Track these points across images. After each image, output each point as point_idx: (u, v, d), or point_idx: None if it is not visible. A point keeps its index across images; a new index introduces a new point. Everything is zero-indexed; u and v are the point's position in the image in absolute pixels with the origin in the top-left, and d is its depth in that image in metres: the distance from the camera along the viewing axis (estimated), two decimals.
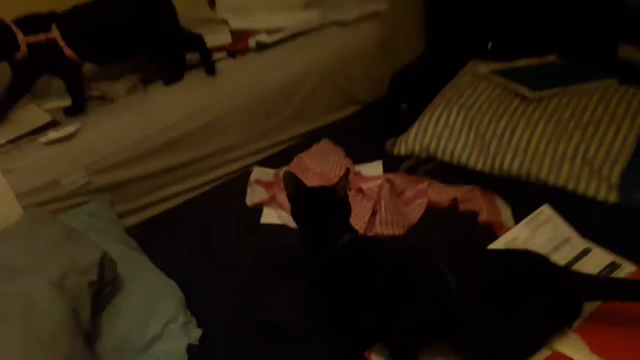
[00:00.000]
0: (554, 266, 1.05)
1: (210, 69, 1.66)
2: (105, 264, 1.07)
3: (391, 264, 1.01)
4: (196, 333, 1.16)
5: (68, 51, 1.44)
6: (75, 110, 1.51)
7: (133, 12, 1.53)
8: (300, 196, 1.07)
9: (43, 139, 1.39)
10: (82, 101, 1.52)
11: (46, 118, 1.44)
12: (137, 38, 1.55)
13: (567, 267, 1.11)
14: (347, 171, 1.10)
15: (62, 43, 1.44)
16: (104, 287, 1.09)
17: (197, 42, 1.66)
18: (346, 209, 1.08)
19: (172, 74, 1.63)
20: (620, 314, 1.05)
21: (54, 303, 0.90)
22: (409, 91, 1.97)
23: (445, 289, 0.96)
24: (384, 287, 0.97)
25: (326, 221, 1.03)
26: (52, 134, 1.38)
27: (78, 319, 0.95)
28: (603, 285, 1.06)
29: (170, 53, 1.66)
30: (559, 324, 1.01)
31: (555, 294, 1.01)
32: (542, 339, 0.99)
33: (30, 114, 1.46)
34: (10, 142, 1.38)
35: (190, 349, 1.12)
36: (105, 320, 1.11)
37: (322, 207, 1.05)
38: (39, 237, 1.09)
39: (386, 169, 1.63)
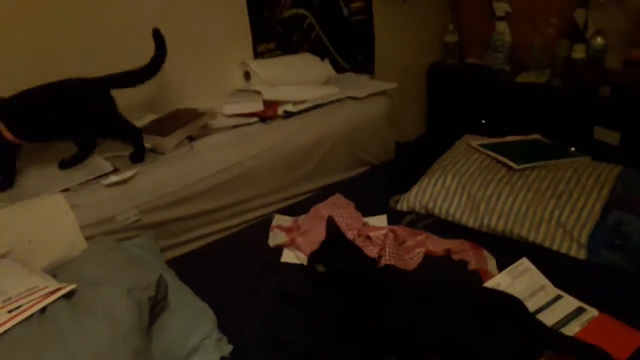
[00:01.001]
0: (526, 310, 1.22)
1: (138, 157, 1.67)
2: (161, 284, 1.23)
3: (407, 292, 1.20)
4: (227, 348, 1.27)
5: (7, 134, 1.48)
6: (5, 184, 1.54)
7: (70, 100, 1.56)
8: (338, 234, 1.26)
9: (105, 181, 1.55)
10: (10, 177, 1.55)
11: (108, 167, 1.62)
12: (73, 123, 1.58)
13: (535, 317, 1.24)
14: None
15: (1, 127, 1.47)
16: (157, 304, 1.24)
17: (133, 131, 1.68)
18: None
19: (135, 154, 1.67)
20: None
21: (127, 308, 1.08)
22: (412, 158, 2.20)
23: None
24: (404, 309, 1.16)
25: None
26: (113, 178, 1.56)
27: (142, 324, 1.14)
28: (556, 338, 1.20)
29: (116, 137, 1.69)
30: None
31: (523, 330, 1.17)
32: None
33: (97, 163, 1.66)
34: (79, 184, 1.55)
35: None
36: (154, 333, 1.22)
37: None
38: (109, 258, 1.27)
39: (390, 222, 1.75)
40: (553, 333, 1.22)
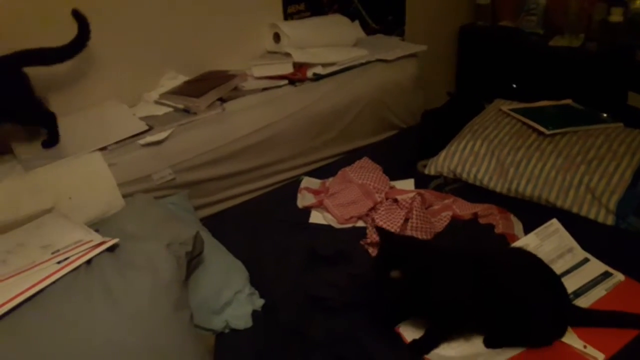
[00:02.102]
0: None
1: (51, 143, 1.57)
2: (197, 239, 1.28)
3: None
4: (259, 302, 1.35)
5: None
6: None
7: None
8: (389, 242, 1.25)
9: (141, 141, 1.59)
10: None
11: (143, 127, 1.64)
12: None
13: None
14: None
15: None
16: (194, 258, 1.30)
17: (47, 116, 1.57)
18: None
19: (49, 139, 1.58)
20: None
21: (167, 261, 1.13)
22: (438, 124, 2.16)
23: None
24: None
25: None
26: (149, 138, 1.59)
27: (180, 277, 1.19)
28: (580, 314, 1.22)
29: (28, 122, 1.59)
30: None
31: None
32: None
33: (130, 122, 1.68)
34: (116, 143, 1.58)
35: (255, 313, 1.32)
36: (190, 286, 1.28)
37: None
38: (149, 214, 1.33)
39: (417, 186, 1.78)
40: (578, 309, 1.24)
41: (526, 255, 1.28)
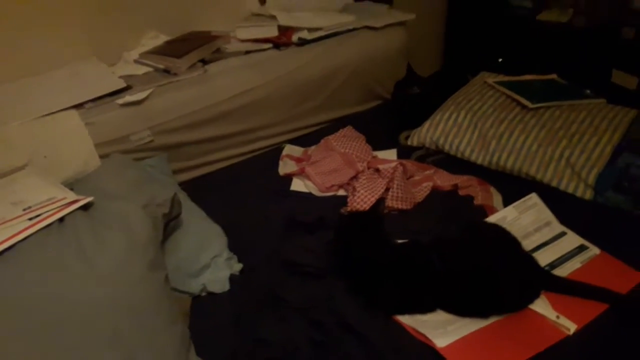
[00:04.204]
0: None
1: None
2: (175, 202, 1.27)
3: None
4: (237, 267, 1.34)
5: None
6: None
7: None
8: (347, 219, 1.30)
9: (119, 100, 1.56)
10: None
11: (121, 84, 1.61)
12: None
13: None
14: (382, 200, 1.34)
15: None
16: (171, 220, 1.29)
17: None
18: (381, 225, 1.29)
19: None
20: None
21: (143, 222, 1.12)
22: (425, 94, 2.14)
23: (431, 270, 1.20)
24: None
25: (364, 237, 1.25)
26: (128, 97, 1.56)
27: (157, 239, 1.18)
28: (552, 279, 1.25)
29: None
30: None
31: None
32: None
33: (108, 80, 1.64)
34: (92, 101, 1.56)
35: (232, 277, 1.31)
36: (167, 248, 1.28)
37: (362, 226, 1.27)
38: (125, 174, 1.31)
39: (400, 156, 1.76)
40: (548, 274, 1.26)
41: (491, 229, 1.31)
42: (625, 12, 2.18)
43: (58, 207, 1.10)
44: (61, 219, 1.09)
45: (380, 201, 1.34)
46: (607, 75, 2.16)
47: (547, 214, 1.44)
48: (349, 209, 1.52)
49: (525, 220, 1.41)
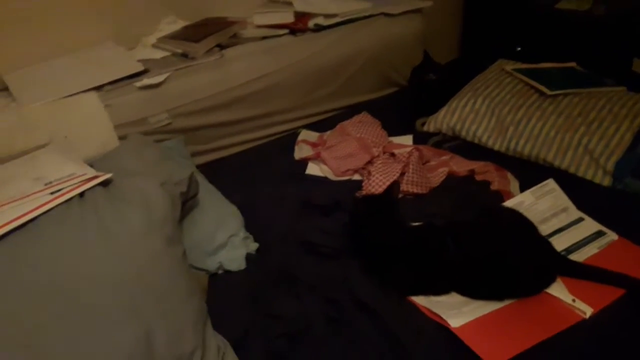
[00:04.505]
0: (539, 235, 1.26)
1: None
2: (192, 181, 1.28)
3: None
4: (253, 246, 1.35)
5: None
6: None
7: None
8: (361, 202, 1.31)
9: (138, 83, 1.57)
10: None
11: (139, 67, 1.62)
12: None
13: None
14: (397, 183, 1.35)
15: None
16: (188, 200, 1.30)
17: None
18: (395, 208, 1.29)
19: None
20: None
21: (161, 197, 1.13)
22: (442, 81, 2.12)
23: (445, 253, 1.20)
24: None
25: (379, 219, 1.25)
26: (146, 80, 1.58)
27: (174, 216, 1.19)
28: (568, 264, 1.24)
29: None
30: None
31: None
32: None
33: (127, 63, 1.66)
34: (111, 83, 1.57)
35: (248, 256, 1.32)
36: (185, 227, 1.29)
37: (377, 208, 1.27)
38: (144, 154, 1.31)
39: (415, 142, 1.75)
40: (564, 259, 1.26)
41: (507, 213, 1.31)
42: None
43: (78, 182, 1.11)
44: (81, 194, 1.10)
45: (395, 184, 1.33)
46: (627, 64, 2.12)
47: (565, 200, 1.43)
48: (364, 192, 1.52)
49: (543, 206, 1.40)
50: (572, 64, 1.98)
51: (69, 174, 1.15)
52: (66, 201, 1.08)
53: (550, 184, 1.46)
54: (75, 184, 1.11)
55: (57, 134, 1.46)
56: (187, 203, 1.32)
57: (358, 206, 1.33)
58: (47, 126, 1.46)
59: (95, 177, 1.14)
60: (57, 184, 1.11)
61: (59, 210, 1.06)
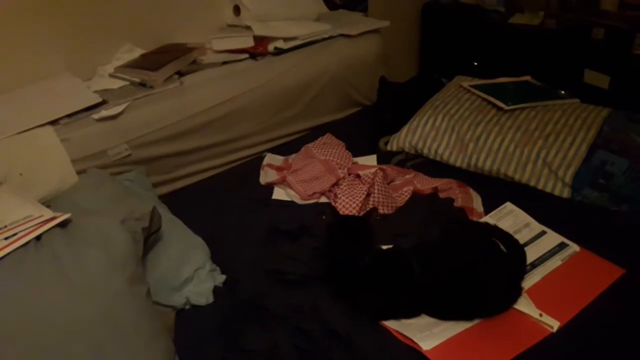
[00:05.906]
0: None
1: None
2: (154, 215, 1.25)
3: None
4: (220, 278, 1.33)
5: None
6: None
7: None
8: (337, 224, 1.28)
9: (95, 115, 1.53)
10: None
11: (97, 99, 1.58)
12: None
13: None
14: (375, 209, 1.34)
15: None
16: (151, 234, 1.26)
17: None
18: (371, 234, 1.26)
19: None
20: (560, 280, 1.26)
21: (122, 236, 1.10)
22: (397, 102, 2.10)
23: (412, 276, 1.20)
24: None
25: (354, 245, 1.22)
26: (104, 112, 1.54)
27: (137, 253, 1.16)
28: None
29: None
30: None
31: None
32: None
33: (84, 95, 1.61)
34: (68, 116, 1.52)
35: (216, 289, 1.29)
36: (149, 262, 1.26)
37: (353, 233, 1.24)
38: (103, 189, 1.28)
39: (379, 162, 1.77)
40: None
41: (471, 227, 1.35)
42: (595, 13, 2.22)
43: (35, 225, 1.07)
44: (38, 237, 1.06)
45: (373, 210, 1.33)
46: (579, 75, 2.19)
47: (525, 217, 1.46)
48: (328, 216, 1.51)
49: (504, 225, 1.42)
50: (527, 78, 2.03)
51: (25, 217, 1.11)
52: (22, 245, 1.04)
53: (508, 206, 1.50)
54: (32, 226, 1.07)
55: (11, 172, 1.40)
56: (150, 238, 1.28)
57: (333, 232, 1.30)
58: (1, 164, 1.40)
59: (53, 218, 1.10)
60: (12, 228, 1.07)
61: (15, 256, 1.02)
